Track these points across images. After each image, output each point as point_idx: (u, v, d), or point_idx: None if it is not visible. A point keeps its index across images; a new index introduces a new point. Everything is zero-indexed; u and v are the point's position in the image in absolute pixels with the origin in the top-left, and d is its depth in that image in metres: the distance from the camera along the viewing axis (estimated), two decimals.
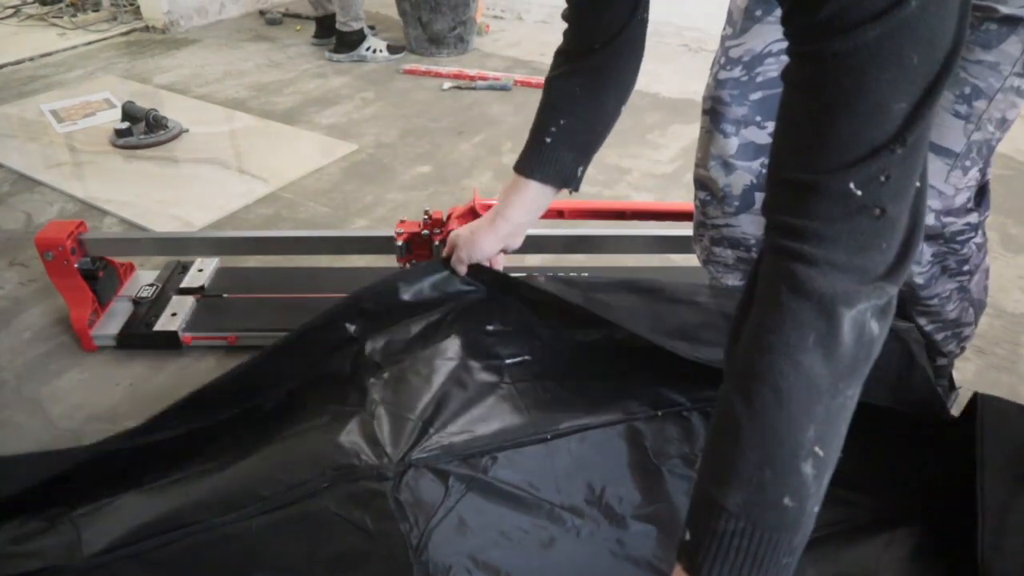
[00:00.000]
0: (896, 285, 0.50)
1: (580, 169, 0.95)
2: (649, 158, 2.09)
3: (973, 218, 0.91)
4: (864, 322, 0.49)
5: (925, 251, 0.93)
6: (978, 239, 0.95)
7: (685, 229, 1.39)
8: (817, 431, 0.49)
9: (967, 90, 0.81)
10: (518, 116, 2.35)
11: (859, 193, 0.47)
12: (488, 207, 1.26)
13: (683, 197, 1.84)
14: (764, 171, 0.98)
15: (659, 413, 0.91)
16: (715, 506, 0.49)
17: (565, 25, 0.90)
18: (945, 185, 0.87)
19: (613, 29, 0.86)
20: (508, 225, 0.98)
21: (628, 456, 0.87)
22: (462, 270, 1.00)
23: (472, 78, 2.65)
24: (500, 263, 1.03)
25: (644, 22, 0.88)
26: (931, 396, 0.88)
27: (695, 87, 2.88)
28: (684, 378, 0.92)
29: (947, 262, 0.95)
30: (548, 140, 0.92)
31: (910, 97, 0.46)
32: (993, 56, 0.79)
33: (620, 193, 1.90)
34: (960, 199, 0.89)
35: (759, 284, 0.52)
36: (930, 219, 0.89)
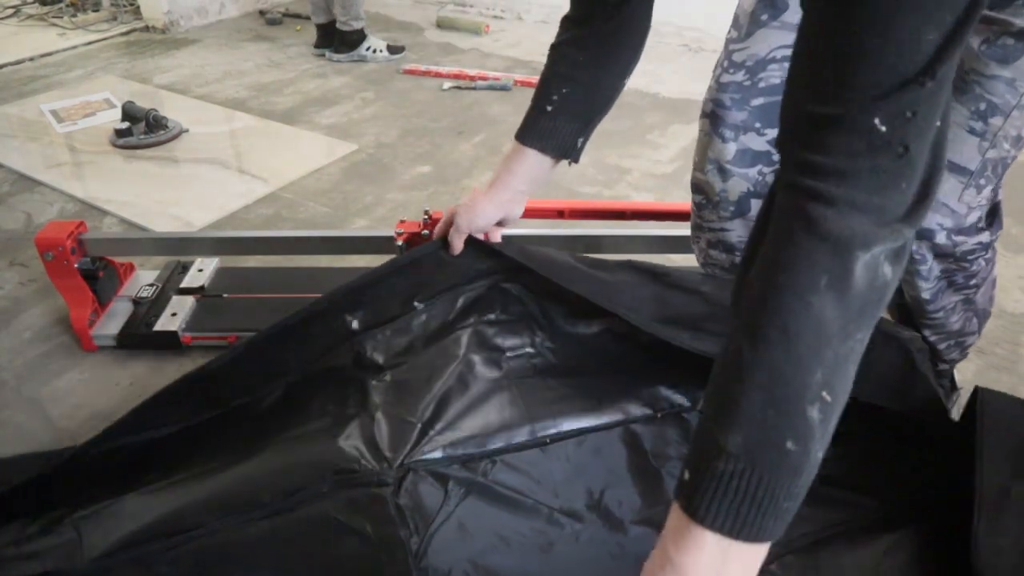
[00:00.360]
0: (913, 228, 0.49)
1: (580, 140, 0.94)
2: (649, 158, 2.09)
3: (985, 237, 0.90)
4: (878, 265, 0.48)
5: (934, 268, 0.91)
6: (988, 254, 0.94)
7: (685, 229, 1.38)
8: (825, 375, 0.48)
9: (983, 106, 0.80)
10: (518, 116, 2.33)
11: (884, 129, 0.46)
12: None
13: (683, 197, 1.83)
14: (761, 178, 0.98)
15: (658, 415, 0.90)
16: (715, 446, 0.48)
17: None
18: (959, 204, 0.85)
19: None
20: (507, 191, 0.95)
21: (627, 459, 0.87)
22: (458, 243, 0.96)
23: (472, 78, 2.65)
24: (497, 237, 1.01)
25: None
26: (933, 402, 0.88)
27: (695, 87, 2.89)
28: (684, 377, 0.92)
29: (955, 277, 0.94)
30: (549, 108, 0.91)
31: (942, 28, 0.44)
32: (1010, 72, 0.78)
33: (620, 193, 1.90)
34: (972, 218, 0.87)
35: (772, 221, 0.51)
36: (941, 237, 0.87)
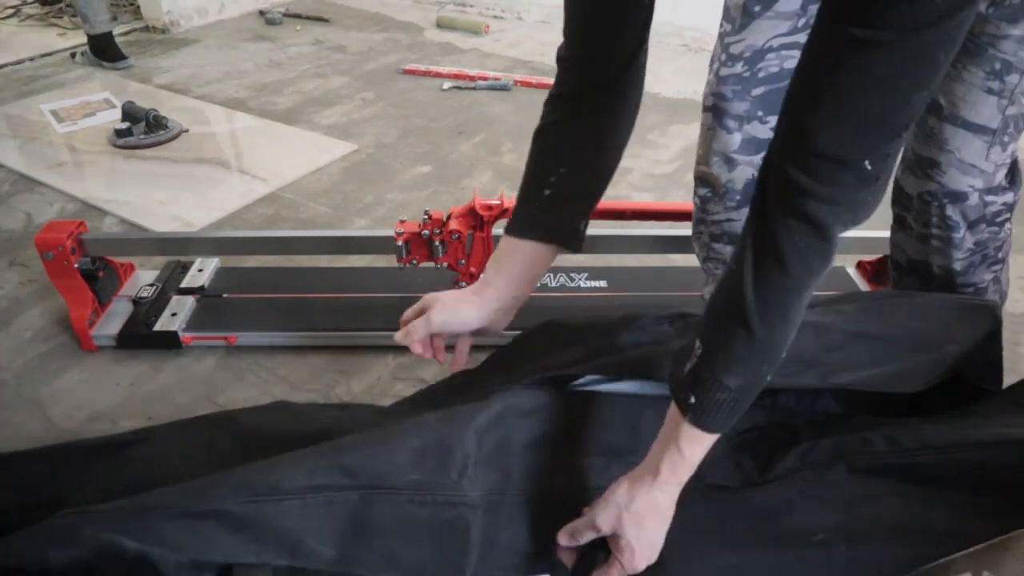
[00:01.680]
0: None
1: (582, 224, 0.88)
2: (649, 158, 2.09)
3: (1009, 197, 0.93)
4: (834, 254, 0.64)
5: (967, 238, 0.94)
6: (1010, 223, 0.97)
7: (685, 229, 1.39)
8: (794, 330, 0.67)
9: (997, 66, 0.82)
10: (518, 116, 2.35)
11: (870, 168, 0.57)
12: (488, 207, 1.26)
13: (683, 197, 1.84)
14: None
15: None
16: (720, 384, 0.66)
17: (563, 59, 0.84)
18: (986, 163, 0.88)
19: (620, 63, 0.82)
20: (498, 298, 0.85)
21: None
22: (416, 344, 0.85)
23: (472, 78, 2.65)
24: (466, 351, 0.91)
25: (644, 59, 0.84)
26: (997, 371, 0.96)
27: (695, 87, 2.88)
28: None
29: (987, 250, 0.96)
30: (547, 192, 0.84)
31: (930, 86, 0.55)
32: (1020, 30, 0.80)
33: (620, 193, 1.90)
34: (999, 176, 0.90)
35: (766, 229, 0.63)
36: (974, 199, 0.91)
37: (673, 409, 0.71)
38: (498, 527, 0.80)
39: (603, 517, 0.73)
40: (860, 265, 1.49)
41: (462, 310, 0.85)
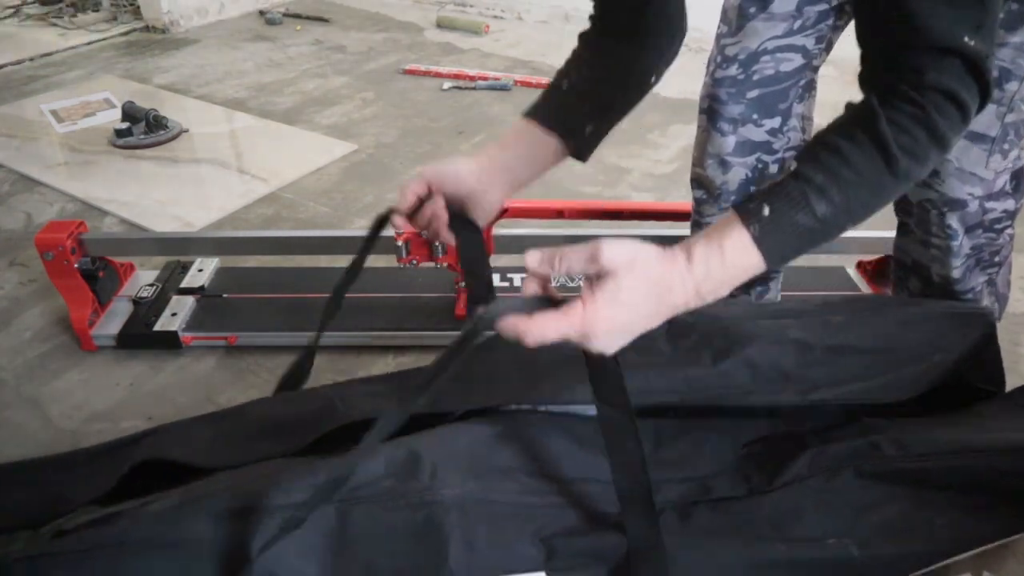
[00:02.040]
0: None
1: (590, 128, 0.81)
2: (649, 158, 2.09)
3: (1010, 204, 0.93)
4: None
5: (965, 244, 0.94)
6: (1011, 229, 0.97)
7: (685, 229, 1.39)
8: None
9: (996, 73, 0.82)
10: (518, 116, 2.34)
11: (973, 43, 0.58)
12: None
13: (683, 197, 1.84)
14: (760, 166, 0.98)
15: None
16: (808, 207, 0.60)
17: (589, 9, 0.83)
18: (986, 171, 0.88)
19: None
20: (491, 160, 0.81)
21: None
22: (410, 194, 0.79)
23: (472, 78, 2.65)
24: (445, 229, 0.83)
25: (676, 12, 0.85)
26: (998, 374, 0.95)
27: (695, 87, 2.85)
28: None
29: (982, 254, 0.96)
30: (564, 85, 0.82)
31: None
32: (1019, 37, 0.81)
33: (620, 193, 1.90)
34: (1000, 182, 0.90)
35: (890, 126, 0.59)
36: (973, 206, 0.91)
37: (730, 217, 0.62)
38: (475, 525, 0.78)
39: (610, 248, 0.60)
40: (860, 265, 1.49)
41: (453, 166, 0.80)
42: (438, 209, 0.80)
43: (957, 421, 0.91)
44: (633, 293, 0.59)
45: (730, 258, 0.61)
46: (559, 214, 1.33)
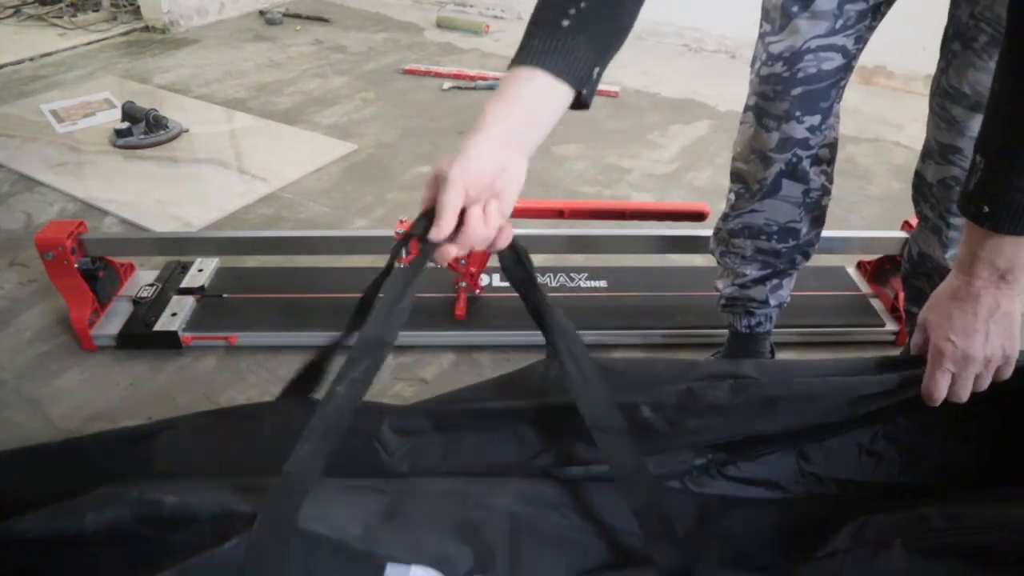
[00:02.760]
0: None
1: (597, 71, 0.73)
2: (649, 158, 2.09)
3: None
4: None
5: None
6: None
7: (685, 229, 1.39)
8: None
9: None
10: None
11: None
12: None
13: (683, 197, 1.84)
14: (796, 160, 1.00)
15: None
16: (1011, 186, 0.68)
17: None
18: None
19: None
20: (506, 125, 0.71)
21: None
22: (451, 207, 0.70)
23: (472, 78, 2.65)
24: (506, 237, 0.76)
25: None
26: None
27: (695, 87, 2.88)
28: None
29: None
30: (565, 24, 0.70)
31: None
32: None
33: (620, 193, 1.90)
34: None
35: None
36: None
37: (971, 228, 0.73)
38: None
39: (976, 344, 0.75)
40: (860, 265, 1.49)
41: (473, 151, 0.70)
42: (490, 215, 0.72)
43: (1008, 493, 0.86)
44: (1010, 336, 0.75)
45: (1000, 262, 0.73)
46: (559, 214, 1.33)
